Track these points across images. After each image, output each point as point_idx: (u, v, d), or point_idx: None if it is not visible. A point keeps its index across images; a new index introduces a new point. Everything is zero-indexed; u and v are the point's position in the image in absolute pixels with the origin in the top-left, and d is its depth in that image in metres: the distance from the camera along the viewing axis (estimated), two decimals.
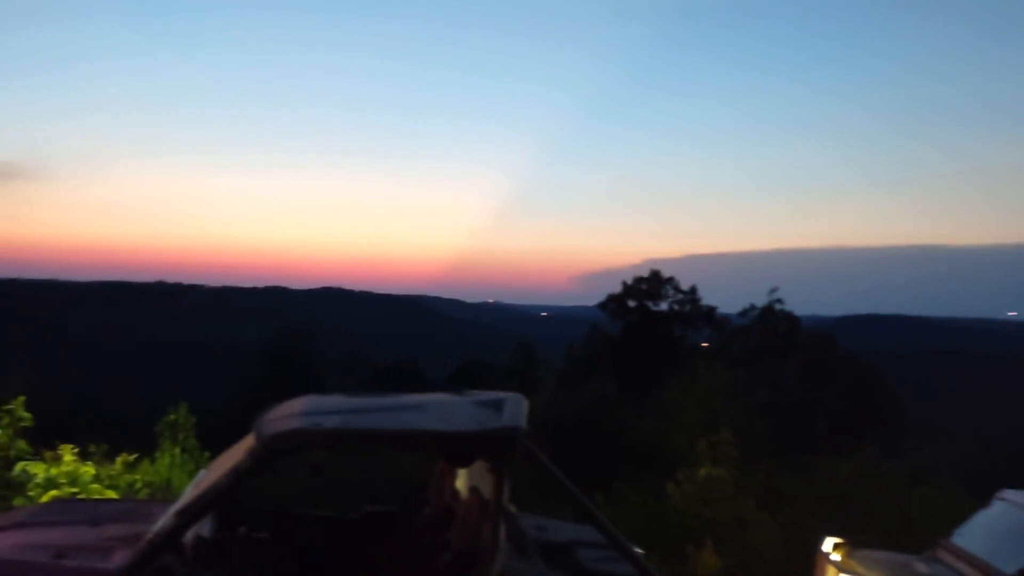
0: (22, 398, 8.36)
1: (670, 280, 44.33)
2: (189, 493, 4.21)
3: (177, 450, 9.28)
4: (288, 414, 4.22)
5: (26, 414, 8.25)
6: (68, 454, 8.00)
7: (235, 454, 4.23)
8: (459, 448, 3.90)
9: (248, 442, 4.08)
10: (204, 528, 4.18)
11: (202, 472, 4.74)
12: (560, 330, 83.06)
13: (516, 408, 4.13)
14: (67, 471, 7.77)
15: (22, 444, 8.17)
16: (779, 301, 41.85)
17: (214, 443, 10.33)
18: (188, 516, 3.72)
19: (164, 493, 8.54)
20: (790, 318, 41.74)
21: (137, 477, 8.44)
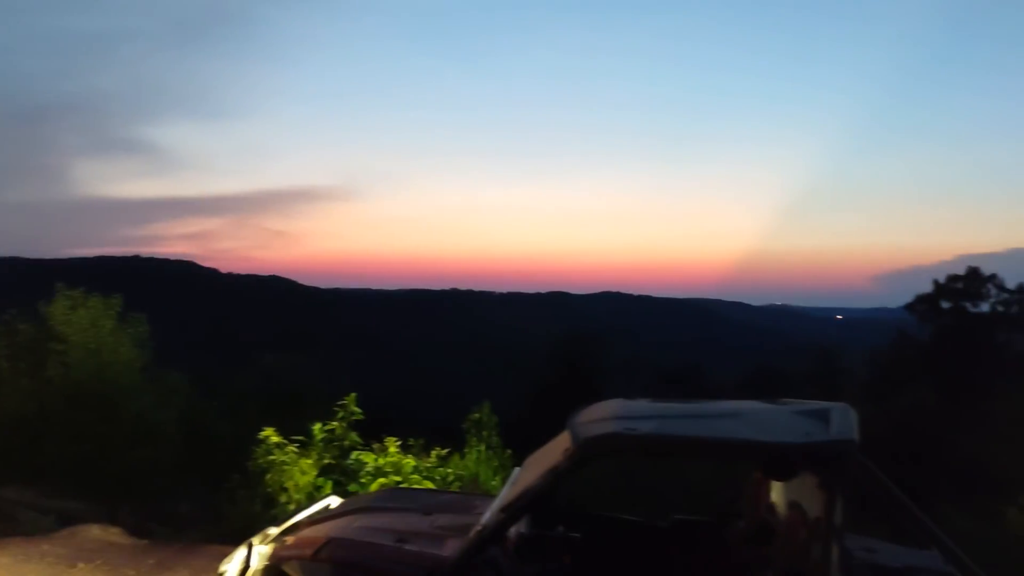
0: (354, 395, 9.31)
1: (992, 278, 39.04)
2: (508, 490, 4.38)
3: (483, 447, 9.84)
4: (601, 417, 4.24)
5: (357, 409, 9.18)
6: (392, 446, 8.81)
7: (549, 455, 4.34)
8: (785, 461, 3.67)
9: (562, 444, 4.16)
10: (521, 524, 4.33)
11: (516, 470, 4.92)
12: (856, 335, 76.83)
13: (845, 419, 3.80)
14: (392, 461, 8.55)
15: (354, 436, 9.11)
16: None
17: (509, 441, 10.86)
18: (512, 513, 3.86)
19: (472, 486, 9.08)
20: None
21: (449, 470, 9.07)
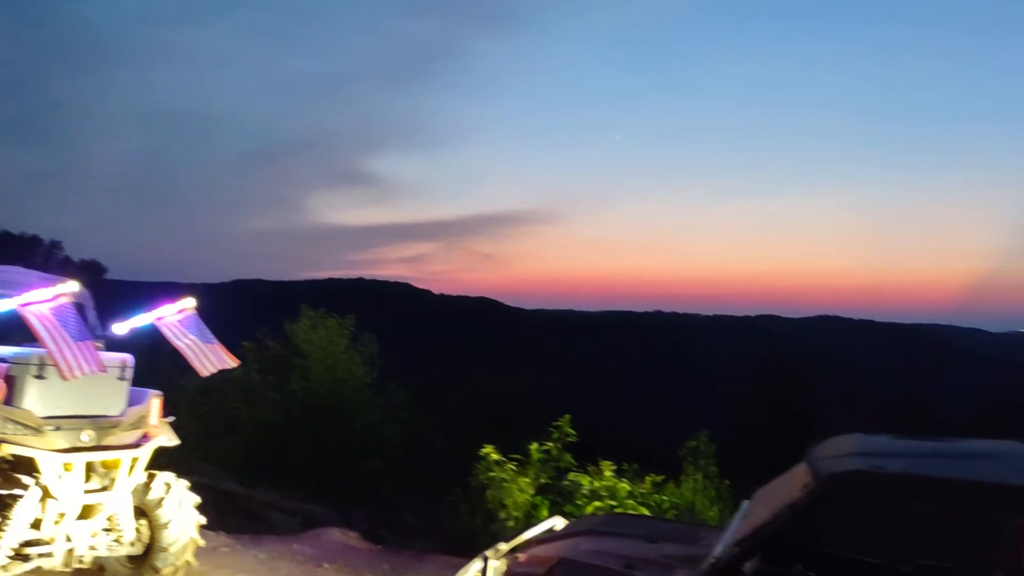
0: (568, 416, 9.49)
1: None
2: (740, 523, 4.28)
3: (699, 476, 9.65)
4: (841, 453, 4.05)
5: (571, 431, 9.35)
6: (608, 470, 8.87)
7: (783, 489, 4.20)
8: None
9: (799, 478, 4.01)
10: (755, 560, 4.21)
11: (745, 503, 4.80)
12: None
13: None
14: (607, 485, 8.61)
15: (568, 457, 9.27)
16: None
17: (721, 469, 10.56)
18: (747, 547, 3.77)
19: (688, 515, 8.93)
20: None
21: (665, 498, 8.98)
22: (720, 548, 3.98)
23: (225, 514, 8.91)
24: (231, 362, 6.44)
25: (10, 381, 5.41)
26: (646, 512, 8.44)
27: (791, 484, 4.10)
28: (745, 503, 4.80)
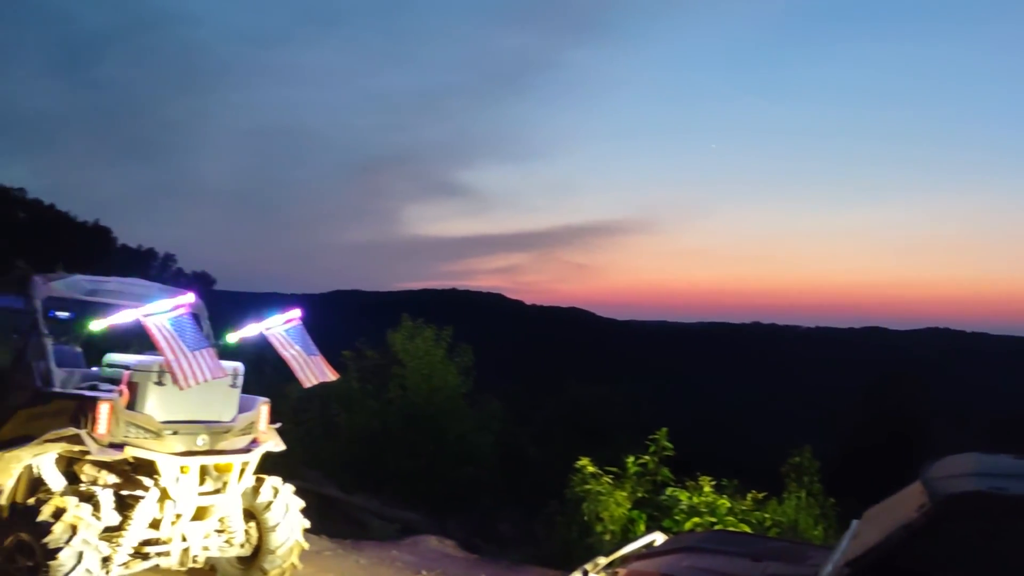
0: (665, 430, 9.34)
1: None
2: (850, 544, 4.13)
3: (803, 493, 9.34)
4: (959, 473, 3.87)
5: (668, 444, 9.20)
6: (707, 485, 8.68)
7: (896, 509, 4.03)
8: None
9: (914, 499, 3.85)
10: None
11: (855, 523, 4.63)
12: None
13: None
14: (706, 501, 8.42)
15: (666, 471, 9.13)
16: None
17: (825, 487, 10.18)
18: (858, 569, 3.64)
19: (792, 534, 8.65)
20: None
21: (767, 515, 8.73)
22: (828, 569, 3.85)
23: (326, 519, 9.16)
24: (331, 375, 6.65)
25: (132, 387, 5.73)
26: (748, 530, 8.23)
27: (905, 504, 3.94)
28: (855, 523, 4.63)
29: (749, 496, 8.93)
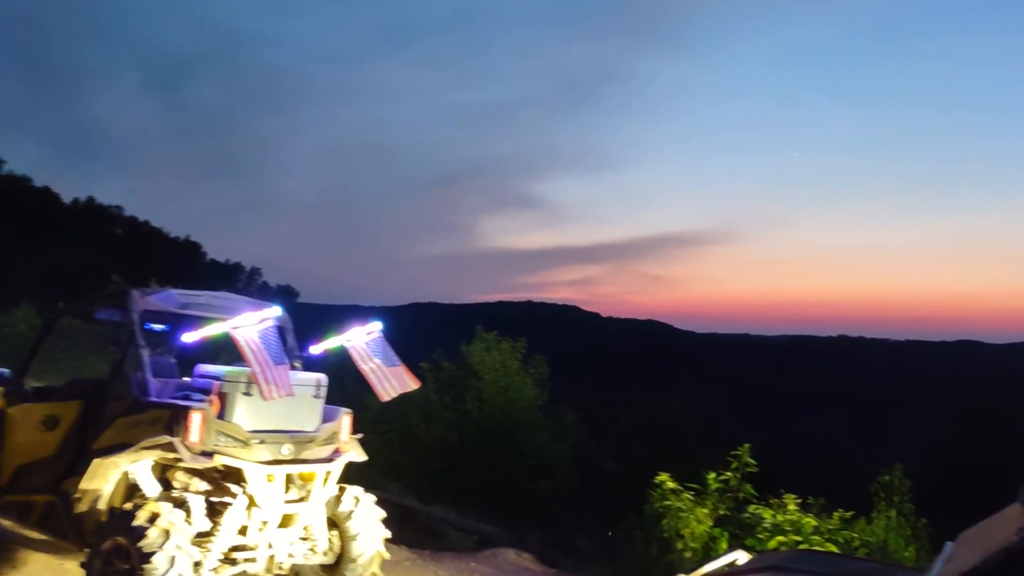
0: (747, 445, 9.14)
1: None
2: (943, 567, 3.95)
3: (893, 513, 8.99)
4: None
5: (751, 460, 8.99)
6: (792, 503, 8.45)
7: (993, 531, 3.84)
8: None
9: (1013, 520, 3.66)
10: None
11: (948, 544, 4.43)
12: None
13: None
14: (791, 520, 8.19)
15: (748, 488, 8.92)
16: None
17: (917, 507, 9.76)
18: None
19: (881, 555, 8.33)
20: None
21: (855, 535, 8.44)
22: None
23: (405, 529, 9.27)
24: (412, 384, 6.73)
25: (222, 397, 5.93)
26: (835, 550, 7.96)
27: (1003, 527, 3.75)
28: (949, 545, 4.44)
29: (836, 515, 8.65)
